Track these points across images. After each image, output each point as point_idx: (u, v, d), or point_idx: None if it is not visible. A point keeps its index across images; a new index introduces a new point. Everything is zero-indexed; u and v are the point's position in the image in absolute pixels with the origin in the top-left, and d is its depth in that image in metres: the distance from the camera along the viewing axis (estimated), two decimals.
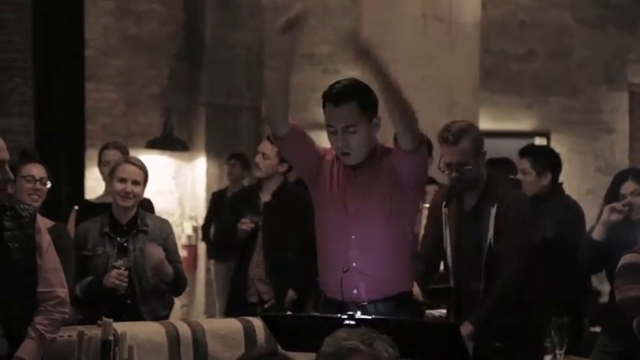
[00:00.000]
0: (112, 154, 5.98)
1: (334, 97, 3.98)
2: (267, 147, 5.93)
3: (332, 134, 4.03)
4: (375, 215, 4.02)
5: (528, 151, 5.96)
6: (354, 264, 4.01)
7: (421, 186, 4.23)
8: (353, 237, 4.03)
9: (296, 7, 3.88)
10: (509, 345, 4.51)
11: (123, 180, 5.02)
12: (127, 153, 6.03)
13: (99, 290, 4.94)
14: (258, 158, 5.96)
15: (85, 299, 4.96)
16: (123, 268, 4.92)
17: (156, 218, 5.22)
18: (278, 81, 4.10)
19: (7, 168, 3.81)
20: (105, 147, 6.18)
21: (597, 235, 5.00)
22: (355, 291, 4.02)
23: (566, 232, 5.66)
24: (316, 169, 4.15)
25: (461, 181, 4.49)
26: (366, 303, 3.99)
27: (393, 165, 4.02)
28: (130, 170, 5.04)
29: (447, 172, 4.52)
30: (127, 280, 4.91)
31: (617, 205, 4.97)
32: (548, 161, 5.88)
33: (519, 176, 5.89)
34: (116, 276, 4.90)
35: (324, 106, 4.03)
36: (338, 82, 4.05)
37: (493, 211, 4.45)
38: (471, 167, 4.46)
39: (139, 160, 5.17)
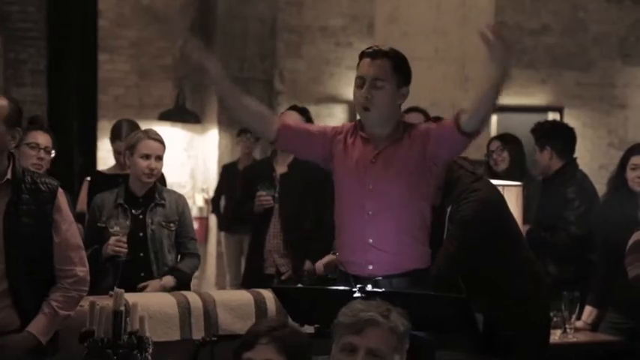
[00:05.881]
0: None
1: (372, 51, 4.07)
2: (295, 116, 5.87)
3: (358, 88, 4.04)
4: (393, 192, 4.02)
5: (533, 129, 6.10)
6: (370, 240, 4.02)
7: (443, 165, 4.23)
8: (370, 213, 4.03)
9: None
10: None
11: (147, 156, 4.96)
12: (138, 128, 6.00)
13: (100, 260, 4.87)
14: None
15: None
16: (121, 234, 4.83)
17: (172, 192, 5.18)
18: (234, 107, 4.15)
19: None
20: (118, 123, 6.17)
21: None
22: (371, 267, 4.03)
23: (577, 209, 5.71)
24: (325, 155, 4.17)
25: None
26: (380, 278, 4.00)
27: (426, 140, 4.02)
28: (153, 146, 4.99)
29: None
30: (126, 246, 4.83)
31: None
32: (547, 135, 5.97)
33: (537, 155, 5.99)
34: (114, 243, 4.82)
35: (359, 60, 4.09)
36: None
37: (448, 211, 4.45)
38: None
39: (158, 134, 5.11)
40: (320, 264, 5.52)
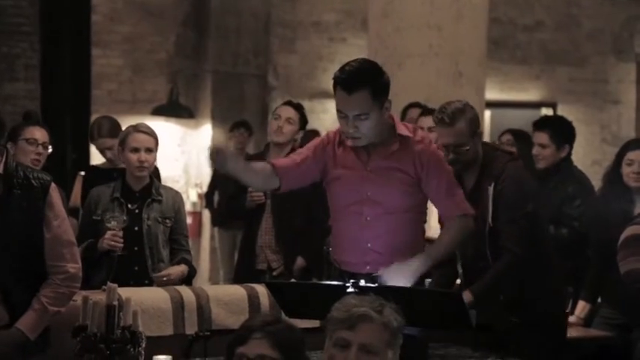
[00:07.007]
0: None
1: (346, 83, 3.92)
2: (290, 112, 5.86)
3: (342, 119, 4.00)
4: (390, 200, 4.04)
5: (546, 124, 5.88)
6: (369, 244, 4.06)
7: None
8: (368, 218, 4.06)
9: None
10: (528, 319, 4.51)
11: (136, 150, 4.95)
12: (120, 128, 5.95)
13: (95, 254, 4.85)
14: (282, 123, 5.84)
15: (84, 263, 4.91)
16: (117, 229, 4.81)
17: (169, 189, 5.16)
18: (243, 178, 4.24)
19: None
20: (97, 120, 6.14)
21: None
22: (368, 267, 4.06)
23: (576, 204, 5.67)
24: (323, 172, 4.19)
25: (458, 162, 4.44)
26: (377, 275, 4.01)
27: (419, 167, 4.08)
28: (141, 139, 4.97)
29: (443, 154, 4.45)
30: (122, 240, 4.81)
31: None
32: (567, 134, 5.82)
33: (536, 149, 5.84)
34: (110, 237, 4.81)
35: (334, 88, 3.98)
36: (349, 65, 3.98)
37: (491, 189, 4.43)
38: (467, 148, 4.41)
39: (149, 127, 5.09)
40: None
